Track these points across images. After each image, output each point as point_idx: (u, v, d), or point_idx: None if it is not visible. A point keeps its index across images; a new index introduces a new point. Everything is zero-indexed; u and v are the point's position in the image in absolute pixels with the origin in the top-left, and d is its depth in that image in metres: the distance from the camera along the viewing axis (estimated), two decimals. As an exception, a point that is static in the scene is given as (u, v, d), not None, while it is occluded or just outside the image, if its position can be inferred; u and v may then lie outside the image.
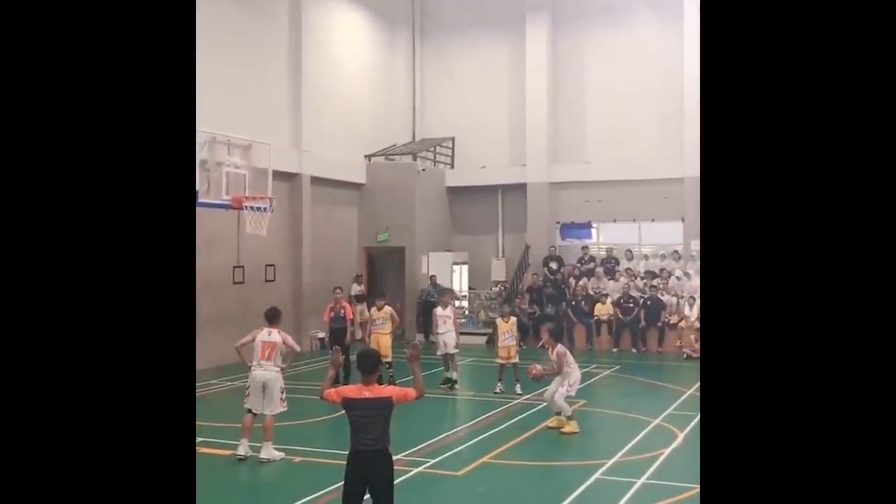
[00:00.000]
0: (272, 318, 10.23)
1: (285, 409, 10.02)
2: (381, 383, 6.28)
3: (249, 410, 9.91)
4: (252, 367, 9.94)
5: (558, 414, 11.42)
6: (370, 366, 6.11)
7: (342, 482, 6.07)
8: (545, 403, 12.63)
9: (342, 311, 15.06)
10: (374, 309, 15.01)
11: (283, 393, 9.97)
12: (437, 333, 15.10)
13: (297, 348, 10.40)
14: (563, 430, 11.20)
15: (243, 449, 9.76)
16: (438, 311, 15.26)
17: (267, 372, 9.88)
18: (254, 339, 10.04)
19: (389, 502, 5.96)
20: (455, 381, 14.80)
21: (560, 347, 11.66)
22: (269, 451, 9.76)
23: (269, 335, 10.02)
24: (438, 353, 15.14)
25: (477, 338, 20.67)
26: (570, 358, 11.65)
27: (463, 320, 22.95)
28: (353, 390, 6.03)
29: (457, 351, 15.04)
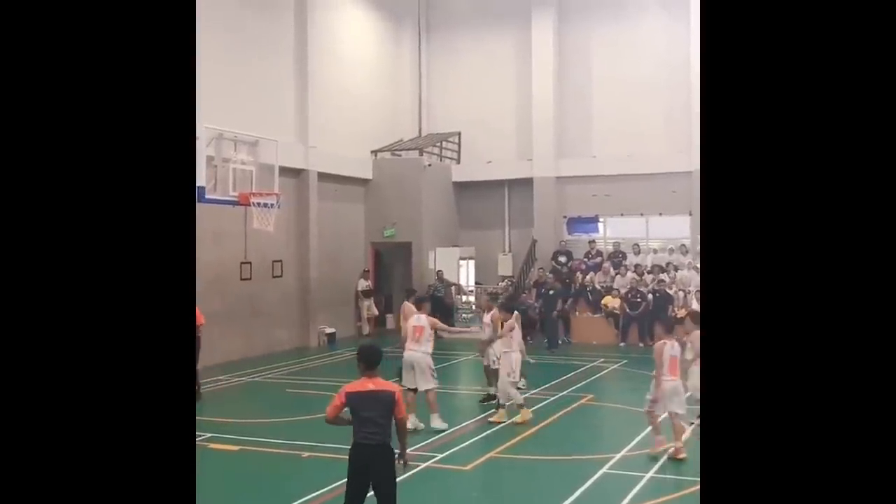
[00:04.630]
0: (417, 303, 11.56)
1: (437, 384, 11.02)
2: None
3: (409, 388, 10.73)
4: (405, 349, 11.04)
5: (521, 406, 11.36)
6: (373, 359, 6.08)
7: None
8: (553, 398, 12.64)
9: None
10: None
11: (432, 370, 10.95)
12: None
13: (444, 335, 10.91)
14: (517, 420, 11.19)
15: (412, 423, 10.26)
16: (485, 318, 13.04)
17: (414, 353, 10.92)
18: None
19: (392, 497, 5.91)
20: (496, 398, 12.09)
21: (511, 321, 11.66)
22: (438, 422, 10.83)
23: (418, 320, 11.10)
24: (487, 362, 12.69)
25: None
26: (517, 336, 11.65)
27: (471, 315, 22.89)
28: (357, 384, 6.01)
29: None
